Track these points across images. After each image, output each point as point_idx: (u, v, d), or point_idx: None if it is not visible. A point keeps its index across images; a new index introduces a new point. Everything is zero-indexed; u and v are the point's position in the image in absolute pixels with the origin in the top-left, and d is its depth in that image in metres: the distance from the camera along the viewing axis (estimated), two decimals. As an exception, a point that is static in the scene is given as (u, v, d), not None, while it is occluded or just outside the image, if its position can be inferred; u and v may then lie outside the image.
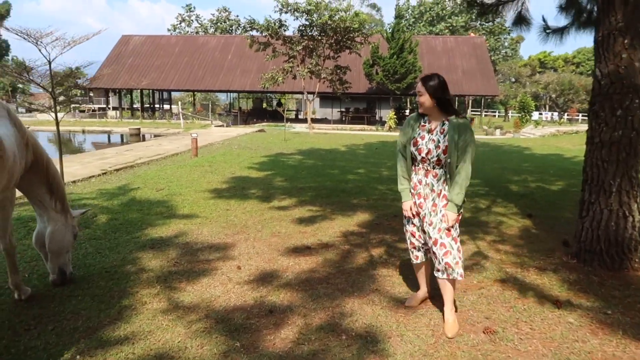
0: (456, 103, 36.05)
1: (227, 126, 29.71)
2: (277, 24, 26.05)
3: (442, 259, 3.17)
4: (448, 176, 3.18)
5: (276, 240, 5.22)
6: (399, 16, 32.86)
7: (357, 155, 14.44)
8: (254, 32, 27.34)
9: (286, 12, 25.54)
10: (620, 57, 4.19)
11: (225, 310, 3.47)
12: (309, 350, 2.94)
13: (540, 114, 46.32)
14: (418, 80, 3.28)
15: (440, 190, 3.21)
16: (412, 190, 3.34)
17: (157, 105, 41.27)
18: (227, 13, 60.18)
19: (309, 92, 27.93)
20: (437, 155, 3.15)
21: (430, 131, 3.20)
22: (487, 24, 59.99)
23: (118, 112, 36.39)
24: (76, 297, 3.63)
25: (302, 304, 3.58)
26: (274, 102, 44.36)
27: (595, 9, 5.19)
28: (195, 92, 42.12)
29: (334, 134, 25.24)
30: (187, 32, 57.78)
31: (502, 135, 28.57)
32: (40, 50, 5.03)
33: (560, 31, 6.47)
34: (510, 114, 47.52)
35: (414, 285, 3.80)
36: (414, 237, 3.41)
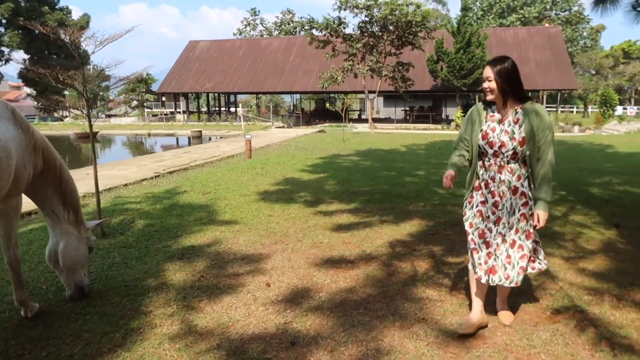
0: (529, 98, 33.71)
1: (288, 127, 29.63)
2: (336, 22, 25.54)
3: (518, 262, 2.85)
4: (523, 171, 2.85)
5: (316, 252, 4.69)
6: (465, 8, 31.19)
7: (418, 155, 13.59)
8: (314, 32, 27.05)
9: (345, 9, 24.97)
10: None
11: (241, 339, 2.98)
12: (330, 400, 2.37)
13: (625, 108, 42.30)
14: (485, 66, 2.86)
15: (517, 187, 2.85)
16: (484, 189, 2.94)
17: (223, 108, 42.23)
18: (291, 15, 60.51)
19: (370, 91, 27.18)
20: (512, 148, 2.80)
21: (500, 121, 2.86)
22: (563, 13, 55.98)
23: (185, 115, 37.60)
24: (84, 316, 3.30)
25: (331, 334, 3.02)
26: (337, 103, 44.03)
27: None
28: (259, 95, 42.64)
29: (396, 133, 24.29)
30: (252, 35, 58.79)
31: (581, 133, 26.18)
32: (71, 48, 4.82)
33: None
34: (590, 109, 43.97)
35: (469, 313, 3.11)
36: (483, 238, 2.92)
